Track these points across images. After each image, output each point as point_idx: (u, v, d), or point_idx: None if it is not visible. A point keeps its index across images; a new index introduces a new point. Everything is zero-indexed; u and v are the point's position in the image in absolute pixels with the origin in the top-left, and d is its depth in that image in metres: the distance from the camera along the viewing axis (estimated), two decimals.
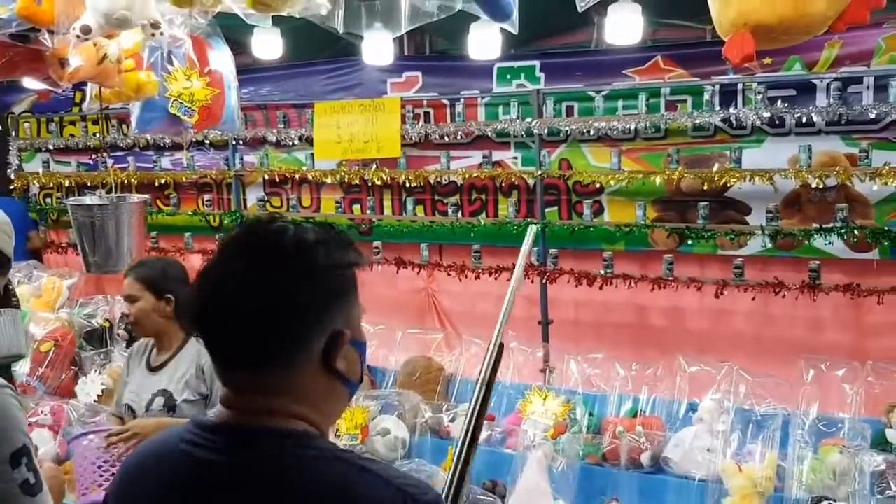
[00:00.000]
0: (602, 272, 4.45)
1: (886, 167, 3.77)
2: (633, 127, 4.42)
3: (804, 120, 4.01)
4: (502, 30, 3.61)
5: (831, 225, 4.00)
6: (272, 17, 2.87)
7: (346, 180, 5.17)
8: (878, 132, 4.07)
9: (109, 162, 5.05)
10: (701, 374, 3.37)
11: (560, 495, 3.08)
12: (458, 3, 2.04)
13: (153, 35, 2.30)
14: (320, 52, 5.48)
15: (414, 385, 3.82)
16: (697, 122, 4.17)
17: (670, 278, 4.30)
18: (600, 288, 4.48)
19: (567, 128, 4.48)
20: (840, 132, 4.15)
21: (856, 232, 3.88)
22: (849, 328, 4.31)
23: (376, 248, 5.06)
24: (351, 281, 1.24)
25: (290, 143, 5.39)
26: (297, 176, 5.49)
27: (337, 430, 3.43)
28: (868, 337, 4.27)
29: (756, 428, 3.02)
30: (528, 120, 4.54)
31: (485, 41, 3.52)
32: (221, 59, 3.56)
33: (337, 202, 5.27)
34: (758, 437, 2.99)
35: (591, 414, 3.42)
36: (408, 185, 5.08)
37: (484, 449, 3.29)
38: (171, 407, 2.87)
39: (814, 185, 3.97)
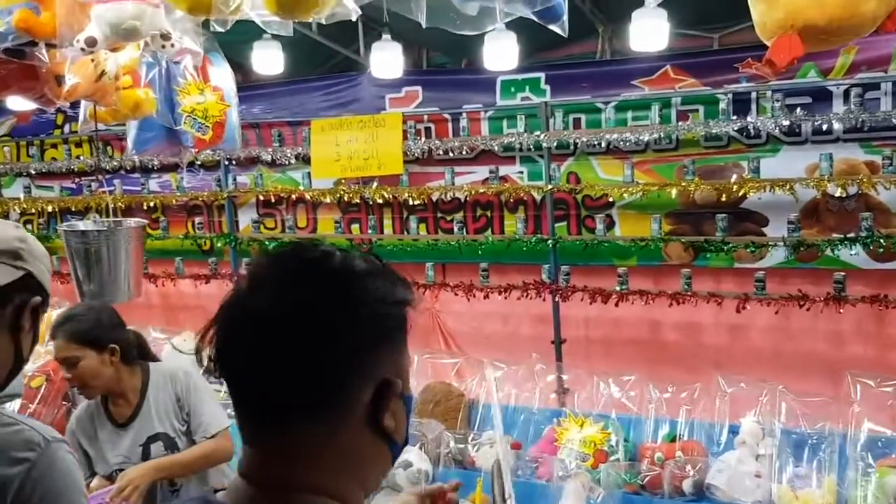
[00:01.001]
0: (617, 288, 4.30)
1: None
2: (644, 139, 4.28)
3: (823, 128, 3.91)
4: (519, 40, 3.50)
5: (856, 235, 3.89)
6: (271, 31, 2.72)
7: (346, 199, 4.98)
8: None
9: (103, 185, 4.81)
10: (739, 393, 3.21)
11: None
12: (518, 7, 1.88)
13: (163, 47, 2.11)
14: (315, 68, 5.31)
15: (434, 413, 3.64)
16: (713, 131, 4.04)
17: (689, 293, 4.16)
18: (616, 305, 4.33)
19: (577, 140, 4.33)
20: (858, 139, 4.05)
21: (882, 241, 3.76)
22: (871, 341, 4.20)
23: None
24: (402, 321, 1.03)
25: (286, 163, 5.20)
26: (292, 196, 5.29)
27: None
28: (890, 350, 4.15)
29: (804, 450, 2.87)
30: (537, 133, 4.40)
31: (500, 52, 3.36)
32: (222, 75, 3.39)
33: (336, 222, 5.09)
34: (805, 459, 2.84)
35: (626, 440, 3.25)
36: (410, 202, 4.91)
37: (513, 480, 3.11)
38: (172, 447, 2.67)
39: (837, 195, 3.86)
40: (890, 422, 2.99)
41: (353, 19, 1.99)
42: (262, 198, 5.36)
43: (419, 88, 5.03)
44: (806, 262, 4.18)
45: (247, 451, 0.99)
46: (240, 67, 4.30)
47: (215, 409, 2.73)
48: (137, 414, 2.67)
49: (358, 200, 5.07)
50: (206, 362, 1.00)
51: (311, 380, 0.94)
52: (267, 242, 5.25)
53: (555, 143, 4.40)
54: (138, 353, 2.77)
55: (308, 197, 5.14)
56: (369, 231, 5.00)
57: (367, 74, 5.12)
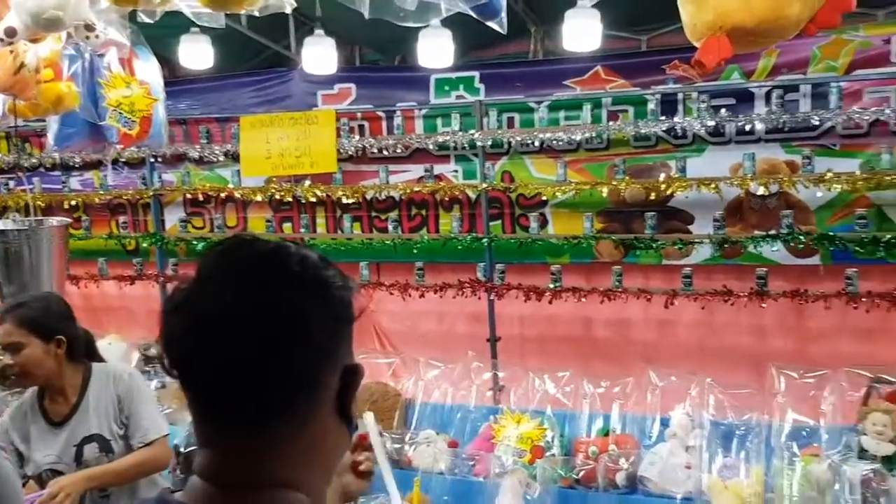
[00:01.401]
0: (551, 286, 4.35)
1: (830, 173, 3.82)
2: (577, 138, 4.34)
3: (746, 128, 4.05)
4: (454, 38, 3.50)
5: (777, 232, 4.03)
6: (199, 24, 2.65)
7: (279, 197, 4.89)
8: (816, 139, 4.14)
9: (22, 183, 4.59)
10: (669, 387, 3.29)
11: None
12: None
13: (87, 38, 2.02)
14: (244, 63, 5.21)
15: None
16: (643, 131, 4.13)
17: (620, 290, 4.24)
18: (550, 302, 4.38)
19: (511, 139, 4.36)
20: (779, 140, 4.20)
21: (802, 238, 3.91)
22: (792, 334, 4.36)
23: None
24: (353, 307, 1.02)
25: (214, 160, 5.08)
26: (221, 195, 5.17)
27: None
28: (810, 342, 4.32)
29: (732, 440, 2.96)
30: (472, 132, 4.41)
31: (436, 50, 3.35)
32: (149, 69, 3.28)
33: (268, 221, 4.99)
34: (733, 450, 2.93)
35: (561, 435, 3.29)
36: (344, 201, 4.86)
37: (450, 478, 3.12)
38: (107, 450, 2.57)
39: (760, 193, 3.99)
40: (812, 412, 3.11)
41: (288, 11, 1.95)
42: (189, 196, 5.22)
43: (352, 86, 4.99)
44: (730, 258, 4.32)
45: (205, 451, 0.94)
46: (166, 62, 4.19)
47: (156, 415, 2.64)
48: (74, 413, 2.54)
49: (290, 199, 4.98)
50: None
51: (286, 376, 0.90)
52: (195, 242, 5.12)
53: (489, 142, 4.41)
54: (85, 352, 2.66)
55: (238, 195, 5.02)
56: (302, 230, 4.92)
57: (299, 70, 5.06)
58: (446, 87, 4.79)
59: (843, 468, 2.68)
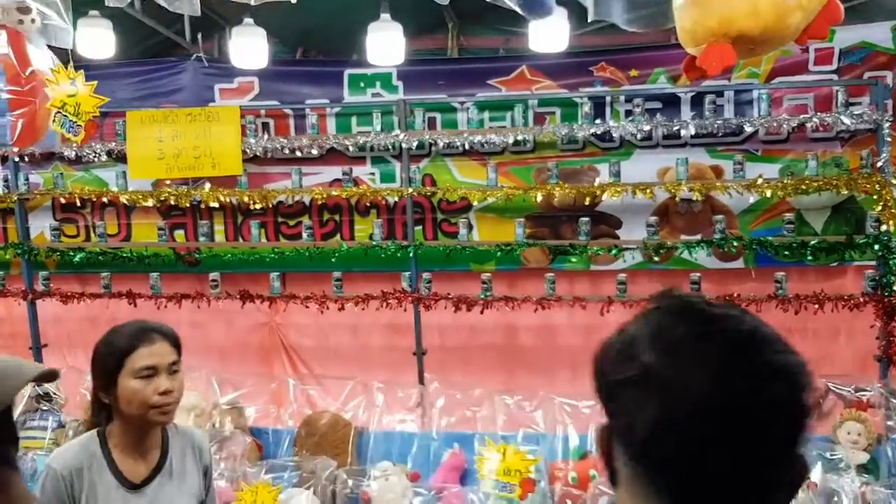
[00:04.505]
0: (481, 295, 4.15)
1: (760, 178, 3.86)
2: (510, 140, 4.14)
3: (673, 133, 4.03)
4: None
5: (704, 237, 4.05)
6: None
7: (177, 203, 4.36)
8: (740, 144, 4.19)
9: None
10: None
11: None
12: None
13: (21, 22, 1.58)
14: (128, 49, 4.60)
15: (319, 447, 3.23)
16: (578, 134, 4.00)
17: (553, 298, 4.11)
18: (481, 312, 4.17)
19: (440, 141, 4.10)
20: (705, 145, 4.22)
21: (735, 243, 3.94)
22: None
23: (214, 280, 4.34)
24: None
25: (91, 160, 4.46)
26: (104, 199, 4.54)
27: None
28: None
29: None
30: (396, 133, 4.12)
31: (387, 44, 3.04)
32: (42, 58, 2.75)
33: (160, 229, 4.44)
34: None
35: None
36: (246, 207, 4.42)
37: None
38: None
39: (694, 199, 3.98)
40: None
41: None
42: (65, 200, 4.55)
43: (254, 79, 4.53)
44: (656, 263, 4.30)
45: None
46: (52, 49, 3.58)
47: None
48: (155, 476, 1.95)
49: (185, 204, 4.46)
50: None
51: (786, 469, 0.82)
52: (71, 253, 4.48)
53: (415, 144, 4.14)
54: None
55: (125, 200, 4.43)
56: (202, 238, 4.42)
57: (192, 61, 4.56)
58: (361, 84, 4.47)
59: (840, 481, 2.66)
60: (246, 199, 4.29)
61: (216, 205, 4.35)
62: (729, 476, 0.80)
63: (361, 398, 3.53)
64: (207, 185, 4.34)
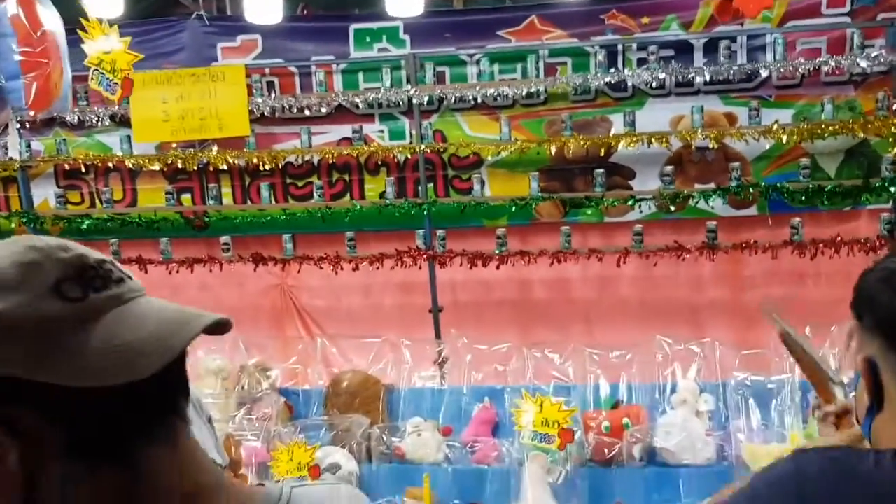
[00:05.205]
0: (497, 251, 4.13)
1: (776, 124, 3.83)
2: (523, 93, 4.09)
3: (685, 80, 3.98)
4: None
5: (718, 185, 4.03)
6: None
7: (184, 167, 4.28)
8: (753, 90, 4.16)
9: None
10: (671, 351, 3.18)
11: None
12: None
13: None
14: (124, 9, 4.47)
15: (350, 406, 3.24)
16: (591, 84, 3.96)
17: (569, 251, 4.09)
18: (497, 268, 4.16)
19: (451, 95, 4.04)
20: (718, 92, 4.18)
21: (751, 190, 3.93)
22: (727, 284, 4.44)
23: (225, 244, 4.29)
24: None
25: (93, 124, 4.36)
26: (104, 164, 4.46)
27: (274, 475, 2.77)
28: (744, 290, 4.42)
29: (747, 403, 2.89)
30: (406, 88, 4.05)
31: None
32: (52, 18, 2.67)
33: (168, 193, 4.37)
34: (739, 414, 2.87)
35: None
36: (254, 168, 4.36)
37: (458, 468, 2.87)
38: None
39: (710, 147, 3.96)
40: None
41: None
42: (68, 167, 4.47)
43: (258, 37, 4.43)
44: (672, 213, 4.28)
45: None
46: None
47: None
48: None
49: (192, 167, 4.38)
50: None
51: None
52: (79, 220, 4.42)
53: (426, 99, 4.08)
54: None
55: (130, 165, 4.35)
56: (210, 201, 4.36)
57: (192, 20, 4.45)
58: (367, 39, 4.38)
59: None
60: (255, 160, 4.22)
61: (224, 167, 4.28)
62: None
63: (389, 357, 3.52)
64: (215, 148, 4.27)
